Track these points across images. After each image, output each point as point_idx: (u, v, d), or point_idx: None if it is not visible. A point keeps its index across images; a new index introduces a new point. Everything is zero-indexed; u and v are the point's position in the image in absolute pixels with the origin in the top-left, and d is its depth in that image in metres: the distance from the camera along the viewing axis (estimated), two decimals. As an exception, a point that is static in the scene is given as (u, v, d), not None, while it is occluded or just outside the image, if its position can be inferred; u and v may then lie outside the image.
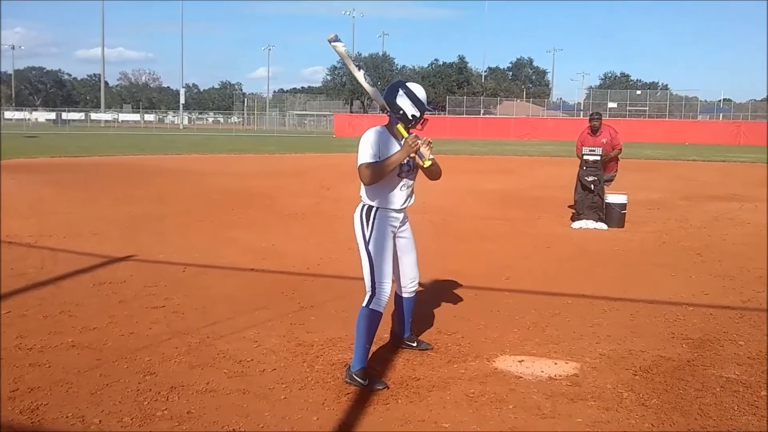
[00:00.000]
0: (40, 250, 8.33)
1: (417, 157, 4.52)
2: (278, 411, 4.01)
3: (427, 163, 4.44)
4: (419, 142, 4.40)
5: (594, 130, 11.68)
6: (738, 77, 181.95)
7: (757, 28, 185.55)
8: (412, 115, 4.54)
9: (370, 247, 4.53)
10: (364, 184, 4.51)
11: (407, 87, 4.58)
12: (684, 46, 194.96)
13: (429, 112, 4.71)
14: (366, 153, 4.43)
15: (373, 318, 4.48)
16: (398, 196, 4.61)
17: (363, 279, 4.54)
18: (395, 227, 4.67)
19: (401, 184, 4.60)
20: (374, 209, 4.57)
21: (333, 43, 4.60)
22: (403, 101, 4.53)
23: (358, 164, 4.43)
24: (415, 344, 5.11)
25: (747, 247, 9.53)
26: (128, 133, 61.15)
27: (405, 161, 4.52)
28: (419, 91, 4.60)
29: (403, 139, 4.44)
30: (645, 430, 3.84)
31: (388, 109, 4.57)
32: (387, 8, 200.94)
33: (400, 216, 4.69)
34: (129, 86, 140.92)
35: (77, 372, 4.53)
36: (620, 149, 11.88)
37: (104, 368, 4.60)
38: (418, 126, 4.60)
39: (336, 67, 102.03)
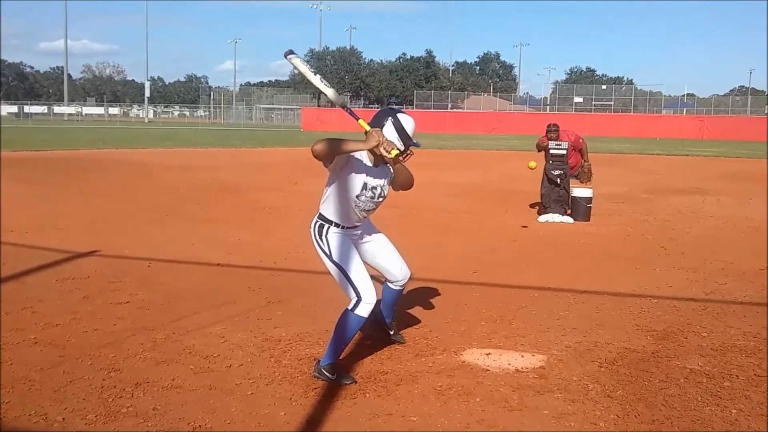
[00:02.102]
0: (1, 246, 8.18)
1: (382, 150, 4.13)
2: (245, 407, 3.99)
3: (394, 153, 4.12)
4: (384, 138, 4.17)
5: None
6: (701, 72, 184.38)
7: (719, 25, 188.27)
8: (398, 149, 4.24)
9: (335, 259, 4.42)
10: (313, 154, 4.09)
11: (397, 118, 4.34)
12: (648, 41, 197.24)
13: (414, 147, 4.41)
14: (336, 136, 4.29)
15: (357, 323, 4.35)
16: (351, 216, 4.45)
17: (343, 291, 4.43)
18: (354, 237, 4.59)
19: (357, 205, 4.40)
20: (325, 228, 4.47)
21: (289, 56, 4.52)
22: (389, 132, 4.28)
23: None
24: (391, 332, 5.08)
25: (710, 240, 9.68)
26: (92, 126, 60.31)
27: (372, 186, 4.36)
28: (408, 123, 4.35)
29: (366, 133, 4.22)
30: (610, 422, 3.87)
31: (348, 109, 4.41)
32: (354, 2, 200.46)
33: (357, 231, 4.58)
34: (93, 79, 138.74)
35: (40, 369, 4.46)
36: (583, 146, 11.85)
37: (67, 365, 4.54)
38: (401, 157, 4.29)
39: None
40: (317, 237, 4.48)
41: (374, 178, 4.40)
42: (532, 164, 10.58)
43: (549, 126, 11.78)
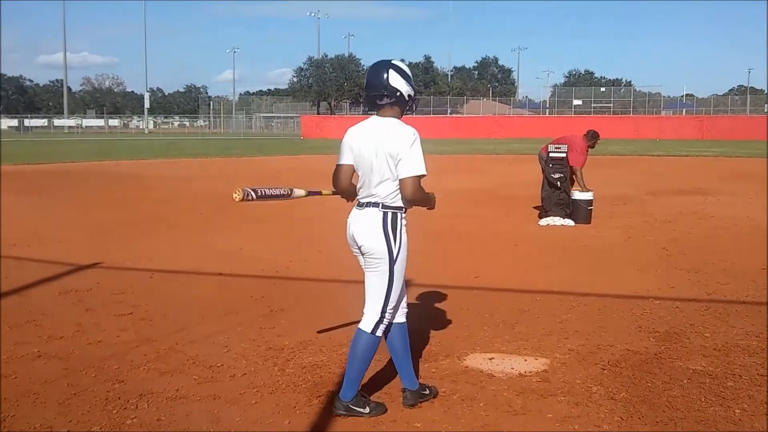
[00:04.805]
0: (4, 260, 8.19)
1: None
2: (249, 416, 3.99)
3: None
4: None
5: None
6: (700, 72, 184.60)
7: (717, 25, 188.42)
8: (409, 96, 3.94)
9: (396, 266, 3.90)
10: (408, 199, 3.82)
11: (395, 65, 3.93)
12: (647, 42, 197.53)
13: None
14: (423, 163, 3.77)
15: (376, 345, 3.99)
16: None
17: (368, 299, 3.99)
18: None
19: None
20: (400, 217, 3.92)
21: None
22: (397, 80, 3.87)
23: (417, 174, 3.75)
24: (427, 392, 4.24)
25: (711, 240, 9.68)
26: (92, 138, 60.42)
27: None
28: (406, 67, 3.98)
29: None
30: (614, 424, 3.88)
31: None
32: (352, 9, 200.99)
33: None
34: (92, 91, 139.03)
35: (44, 382, 4.46)
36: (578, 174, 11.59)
37: (72, 378, 4.55)
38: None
39: (302, 69, 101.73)
40: (390, 230, 3.87)
41: None
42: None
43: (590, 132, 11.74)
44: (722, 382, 4.44)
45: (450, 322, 5.80)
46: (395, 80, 3.88)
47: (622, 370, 4.67)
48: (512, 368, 4.74)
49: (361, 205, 3.96)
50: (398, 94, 3.88)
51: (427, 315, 6.00)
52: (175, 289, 7.01)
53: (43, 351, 5.06)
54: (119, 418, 3.95)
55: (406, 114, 4.02)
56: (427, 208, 4.08)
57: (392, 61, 3.96)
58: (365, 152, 3.88)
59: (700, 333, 5.47)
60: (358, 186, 4.01)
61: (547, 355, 5.00)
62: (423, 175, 3.78)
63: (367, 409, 3.98)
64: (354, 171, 4.04)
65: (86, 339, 5.35)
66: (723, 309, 6.16)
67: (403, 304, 4.16)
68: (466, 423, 3.90)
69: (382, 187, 3.84)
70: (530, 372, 4.67)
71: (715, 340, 5.27)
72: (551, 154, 11.39)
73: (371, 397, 4.15)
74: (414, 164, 3.74)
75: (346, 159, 4.03)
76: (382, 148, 3.79)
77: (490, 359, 4.92)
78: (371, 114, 4.05)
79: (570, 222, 11.10)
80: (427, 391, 4.17)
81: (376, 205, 3.87)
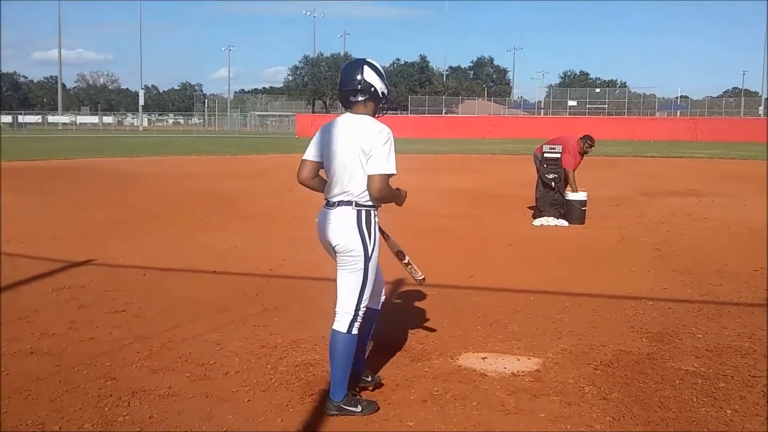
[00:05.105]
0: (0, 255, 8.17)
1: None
2: (242, 414, 3.99)
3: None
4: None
5: None
6: (694, 74, 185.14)
7: (712, 27, 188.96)
8: (383, 93, 3.97)
9: (371, 264, 3.92)
10: (374, 197, 3.85)
11: (370, 62, 3.97)
12: (642, 44, 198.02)
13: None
14: (394, 162, 3.82)
15: (354, 344, 3.98)
16: None
17: (341, 297, 4.00)
18: None
19: None
20: (373, 214, 3.93)
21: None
22: (371, 77, 3.91)
23: (387, 173, 3.79)
24: (369, 379, 4.37)
25: (705, 241, 9.70)
26: (86, 135, 60.28)
27: None
28: (380, 66, 4.02)
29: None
30: (606, 424, 3.88)
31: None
32: (348, 8, 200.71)
33: None
34: (87, 88, 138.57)
35: (36, 379, 4.45)
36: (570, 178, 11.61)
37: (64, 374, 4.54)
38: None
39: (297, 67, 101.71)
40: (364, 229, 3.88)
41: None
42: None
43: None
44: (714, 383, 4.45)
45: (443, 321, 5.80)
46: (370, 76, 3.92)
47: (615, 371, 4.68)
48: (505, 368, 4.74)
49: (332, 204, 3.95)
50: (372, 89, 3.92)
51: (420, 314, 6.01)
52: (168, 287, 6.99)
53: (35, 348, 5.05)
54: (111, 415, 3.94)
55: (380, 114, 4.05)
56: (396, 203, 4.10)
57: (366, 59, 4.00)
58: (338, 149, 3.89)
59: (693, 334, 5.48)
60: (327, 184, 3.99)
61: (540, 354, 5.01)
62: (392, 174, 3.82)
63: (359, 408, 3.98)
64: (320, 167, 4.05)
65: (79, 336, 5.34)
66: (715, 310, 6.18)
67: (382, 292, 4.30)
68: (458, 422, 3.90)
69: (354, 184, 3.85)
70: (523, 371, 4.67)
71: (708, 341, 5.29)
72: (546, 155, 11.41)
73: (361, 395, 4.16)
74: (384, 162, 3.77)
75: (310, 154, 4.05)
76: (356, 144, 3.81)
77: (483, 359, 4.92)
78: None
79: (564, 222, 11.12)
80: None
81: (349, 203, 3.88)
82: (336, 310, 4.02)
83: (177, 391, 4.30)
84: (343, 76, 4.00)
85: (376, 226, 3.96)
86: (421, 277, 4.35)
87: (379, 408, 4.04)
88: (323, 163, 4.01)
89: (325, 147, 3.96)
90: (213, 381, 4.48)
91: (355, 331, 3.98)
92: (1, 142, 33.89)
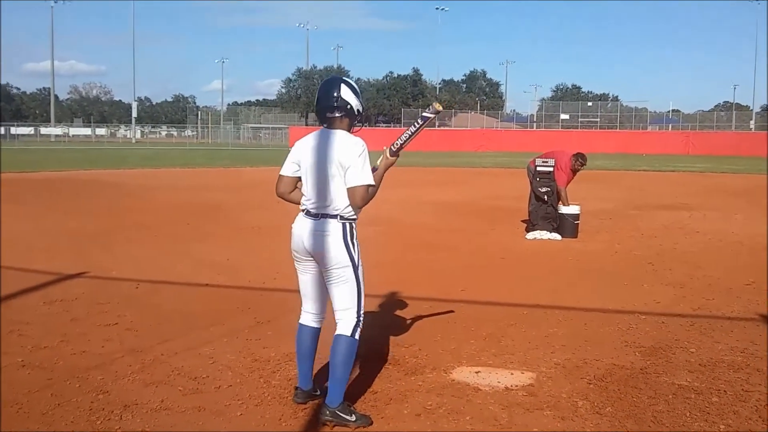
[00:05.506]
0: (-12, 268, 8.13)
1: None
2: (235, 428, 3.97)
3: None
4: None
5: None
6: (686, 88, 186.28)
7: (703, 41, 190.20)
8: (358, 110, 4.12)
9: (359, 271, 4.05)
10: (359, 206, 3.99)
11: (346, 80, 4.15)
12: (634, 58, 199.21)
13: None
14: (371, 173, 3.99)
15: (356, 348, 4.08)
16: None
17: (344, 309, 4.07)
18: None
19: None
20: (354, 226, 4.08)
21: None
22: (348, 95, 4.06)
23: (366, 184, 3.93)
24: (318, 393, 4.33)
25: (697, 255, 9.73)
26: (79, 147, 60.15)
27: None
28: (355, 84, 4.19)
29: (381, 156, 4.18)
30: (600, 438, 3.88)
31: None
32: (341, 21, 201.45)
33: None
34: (80, 100, 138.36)
35: (28, 392, 4.43)
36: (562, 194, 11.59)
37: (56, 388, 4.51)
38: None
39: (291, 80, 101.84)
40: (349, 240, 4.02)
41: None
42: None
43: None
44: (707, 398, 4.45)
45: (437, 335, 5.79)
46: (346, 94, 4.08)
47: (608, 385, 4.68)
48: (498, 382, 4.74)
49: (315, 216, 4.05)
50: (348, 107, 4.07)
51: (413, 328, 6.00)
52: (160, 300, 6.97)
53: (27, 361, 5.02)
54: (103, 429, 3.92)
55: (355, 127, 4.18)
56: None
57: (343, 78, 4.22)
58: (316, 162, 4.04)
59: (686, 348, 5.49)
60: (307, 195, 4.11)
61: (533, 369, 5.01)
62: (371, 185, 3.97)
63: (354, 417, 3.99)
64: (297, 181, 4.20)
65: (71, 349, 5.32)
66: (708, 324, 6.19)
67: (320, 309, 4.31)
68: (452, 437, 3.89)
69: (340, 199, 4.00)
70: (516, 386, 4.67)
71: (701, 356, 5.30)
72: (538, 168, 11.44)
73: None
74: (363, 174, 3.93)
75: (288, 170, 4.21)
76: (334, 158, 3.96)
77: (476, 372, 4.92)
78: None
79: (557, 236, 11.13)
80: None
81: (334, 217, 4.01)
82: (336, 318, 4.11)
83: (169, 404, 4.28)
84: (320, 93, 4.15)
85: (356, 237, 4.11)
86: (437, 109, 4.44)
87: (372, 422, 4.03)
88: (301, 177, 4.16)
89: (304, 160, 4.11)
90: (206, 395, 4.46)
91: (357, 336, 4.07)
92: (0, 152, 33.78)
